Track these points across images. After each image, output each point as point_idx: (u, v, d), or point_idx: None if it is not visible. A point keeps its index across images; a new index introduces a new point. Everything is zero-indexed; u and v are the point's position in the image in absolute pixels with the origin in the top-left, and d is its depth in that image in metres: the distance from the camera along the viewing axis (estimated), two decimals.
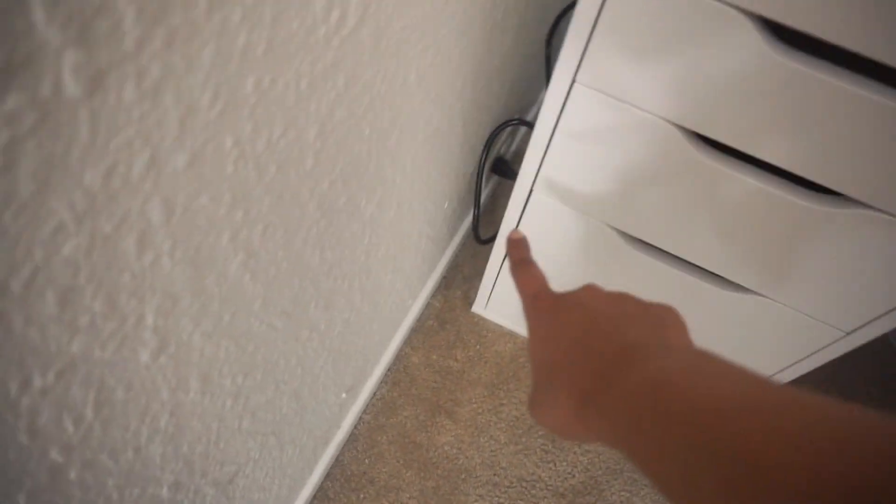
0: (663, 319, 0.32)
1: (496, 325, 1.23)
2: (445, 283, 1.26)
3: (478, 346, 1.20)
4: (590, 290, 0.35)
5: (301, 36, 0.37)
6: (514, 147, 1.42)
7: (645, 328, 0.31)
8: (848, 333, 0.78)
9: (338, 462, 1.05)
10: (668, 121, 0.66)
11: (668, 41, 0.59)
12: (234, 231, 0.40)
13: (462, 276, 1.27)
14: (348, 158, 0.53)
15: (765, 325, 0.85)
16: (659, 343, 0.30)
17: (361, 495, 1.04)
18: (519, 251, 0.41)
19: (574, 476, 1.09)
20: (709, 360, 0.27)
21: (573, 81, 0.67)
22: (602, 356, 0.30)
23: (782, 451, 0.20)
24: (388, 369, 1.14)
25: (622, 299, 0.34)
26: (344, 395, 0.94)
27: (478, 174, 1.11)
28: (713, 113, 0.63)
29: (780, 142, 0.62)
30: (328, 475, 1.04)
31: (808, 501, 0.18)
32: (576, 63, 0.65)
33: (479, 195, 1.14)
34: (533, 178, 0.84)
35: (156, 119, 0.28)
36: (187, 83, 0.29)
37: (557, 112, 0.72)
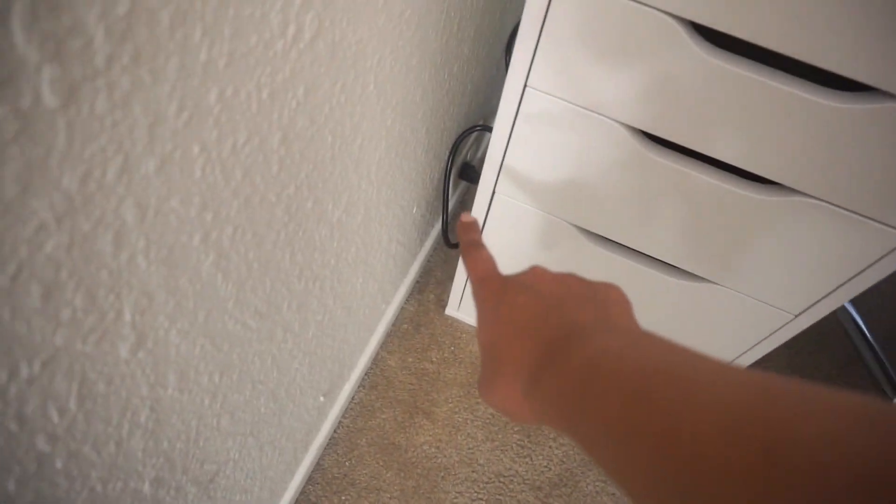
0: (607, 298, 0.33)
1: (469, 326, 1.26)
2: (418, 287, 1.29)
3: (452, 348, 1.23)
4: (536, 272, 0.36)
5: (260, 49, 0.40)
6: (480, 153, 1.46)
7: (588, 308, 0.32)
8: (796, 315, 0.83)
9: (318, 466, 1.07)
10: (616, 121, 0.70)
11: (608, 47, 0.63)
12: (204, 232, 0.43)
13: (435, 280, 1.30)
14: (312, 164, 0.56)
15: (719, 311, 0.89)
16: (601, 323, 0.30)
17: (343, 497, 1.06)
18: (469, 234, 0.42)
19: (550, 469, 1.12)
20: (647, 339, 0.27)
21: (525, 86, 0.71)
22: (545, 339, 0.30)
23: (703, 423, 0.19)
24: (366, 373, 1.17)
25: (567, 280, 0.35)
26: (322, 398, 0.97)
27: (445, 180, 1.14)
28: (656, 112, 0.67)
29: (719, 137, 0.66)
30: (310, 479, 1.06)
31: (728, 476, 0.18)
32: (526, 69, 0.69)
33: (447, 200, 1.17)
34: (494, 181, 0.88)
35: (127, 127, 0.31)
36: (154, 94, 0.32)
37: (513, 116, 0.75)
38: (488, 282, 0.37)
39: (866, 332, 1.18)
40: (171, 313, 0.43)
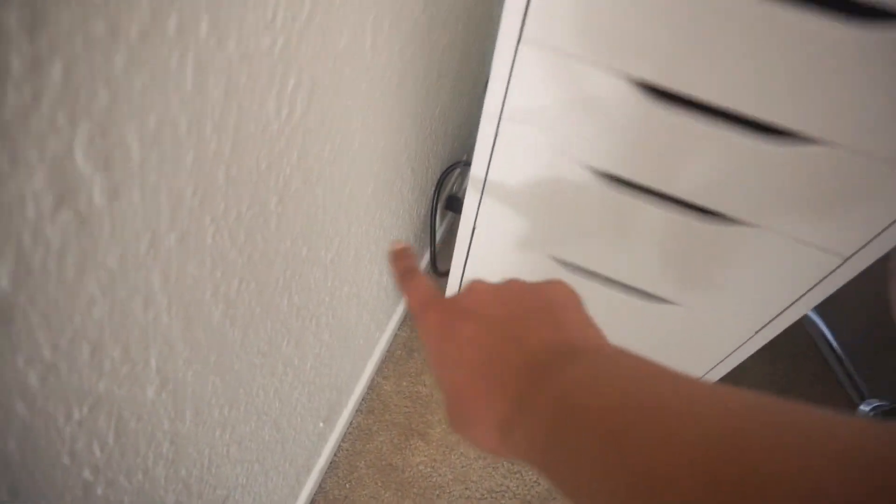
0: (555, 300, 0.32)
1: None
2: (410, 315, 1.36)
3: None
4: (475, 291, 0.33)
5: (258, 133, 0.48)
6: (465, 185, 1.54)
7: (543, 322, 0.30)
8: (757, 331, 0.90)
9: (321, 489, 1.13)
10: (582, 163, 0.77)
11: (568, 100, 0.70)
12: (214, 287, 0.50)
13: None
14: (306, 218, 0.63)
15: (687, 330, 0.96)
16: (563, 344, 0.29)
17: None
18: (401, 262, 0.39)
19: (539, 484, 1.19)
20: (616, 361, 0.26)
21: (498, 123, 0.78)
22: (508, 381, 0.28)
23: (678, 465, 0.19)
24: (363, 398, 1.23)
25: (511, 291, 0.33)
26: (321, 424, 1.03)
27: (431, 214, 1.21)
28: (617, 156, 0.75)
29: (676, 177, 0.74)
30: (312, 501, 1.12)
31: None
32: (498, 111, 0.76)
33: (435, 232, 1.25)
34: (475, 216, 0.95)
35: (154, 211, 0.38)
36: (175, 183, 0.39)
37: (488, 155, 0.83)
38: (428, 311, 0.34)
39: (833, 342, 1.25)
40: (188, 358, 0.50)
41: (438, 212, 1.27)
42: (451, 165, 1.21)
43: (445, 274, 1.30)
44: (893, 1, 0.51)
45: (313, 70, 0.52)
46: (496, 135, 0.79)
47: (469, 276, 1.08)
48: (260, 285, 0.58)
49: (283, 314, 0.67)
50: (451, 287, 1.17)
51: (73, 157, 0.30)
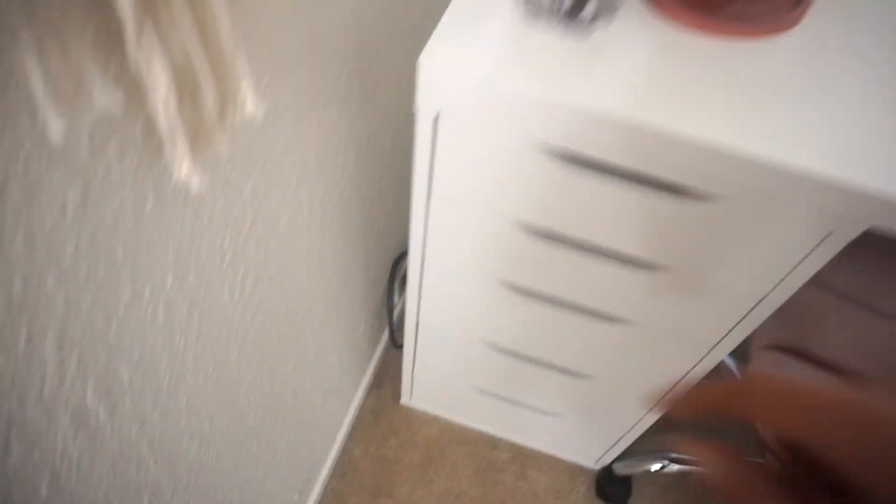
0: None
1: (422, 412, 1.48)
2: (376, 383, 1.51)
3: (408, 433, 1.45)
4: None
5: (217, 318, 0.63)
6: None
7: None
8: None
9: None
10: (497, 278, 0.94)
11: (471, 236, 0.87)
12: (190, 433, 0.66)
13: (389, 376, 1.53)
14: (264, 352, 0.79)
15: (600, 400, 1.13)
16: None
17: None
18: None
19: None
20: None
21: (427, 216, 0.95)
22: None
23: None
24: (335, 463, 1.38)
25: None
26: (296, 496, 1.18)
27: (388, 299, 1.37)
28: (521, 264, 0.91)
29: (570, 295, 0.90)
30: None
31: None
32: (423, 216, 0.93)
33: (392, 312, 1.40)
34: (417, 297, 1.11)
35: (140, 405, 0.54)
36: (154, 381, 0.55)
37: (422, 245, 0.99)
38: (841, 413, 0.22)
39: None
40: (173, 488, 0.66)
41: (396, 291, 1.43)
42: (402, 254, 1.37)
43: (402, 346, 1.45)
44: (694, 185, 0.68)
45: (258, 258, 0.68)
46: (427, 216, 0.95)
47: (423, 342, 1.23)
48: (228, 416, 0.74)
49: (251, 425, 0.83)
50: (408, 355, 1.32)
51: (85, 401, 0.46)
